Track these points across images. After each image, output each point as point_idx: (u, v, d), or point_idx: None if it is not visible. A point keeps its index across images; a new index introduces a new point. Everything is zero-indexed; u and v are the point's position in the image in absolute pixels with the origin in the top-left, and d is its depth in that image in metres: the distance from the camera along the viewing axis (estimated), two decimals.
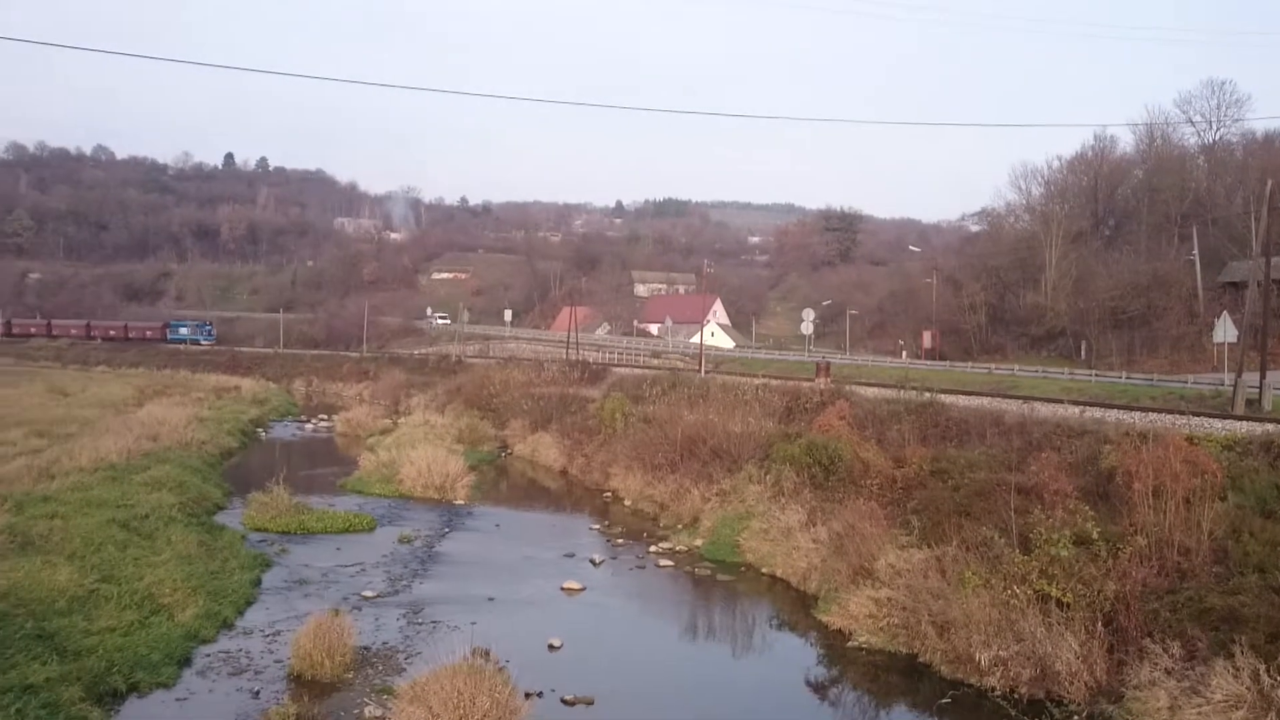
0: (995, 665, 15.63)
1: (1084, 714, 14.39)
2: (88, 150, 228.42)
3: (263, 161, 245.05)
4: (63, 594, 16.60)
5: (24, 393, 57.08)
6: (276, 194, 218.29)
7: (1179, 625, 14.56)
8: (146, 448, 34.47)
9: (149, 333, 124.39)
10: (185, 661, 16.19)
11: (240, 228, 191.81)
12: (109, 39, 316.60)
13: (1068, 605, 15.72)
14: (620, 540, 27.48)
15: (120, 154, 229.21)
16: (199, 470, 34.02)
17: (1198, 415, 26.96)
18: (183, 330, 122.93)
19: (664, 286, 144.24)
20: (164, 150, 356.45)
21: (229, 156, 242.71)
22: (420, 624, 19.00)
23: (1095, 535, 16.69)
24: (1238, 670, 12.90)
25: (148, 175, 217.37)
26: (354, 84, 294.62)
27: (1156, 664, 13.94)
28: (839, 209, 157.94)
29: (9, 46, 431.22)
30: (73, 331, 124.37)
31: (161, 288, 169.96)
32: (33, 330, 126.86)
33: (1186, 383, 41.38)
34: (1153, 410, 29.40)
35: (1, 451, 31.24)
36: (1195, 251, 64.38)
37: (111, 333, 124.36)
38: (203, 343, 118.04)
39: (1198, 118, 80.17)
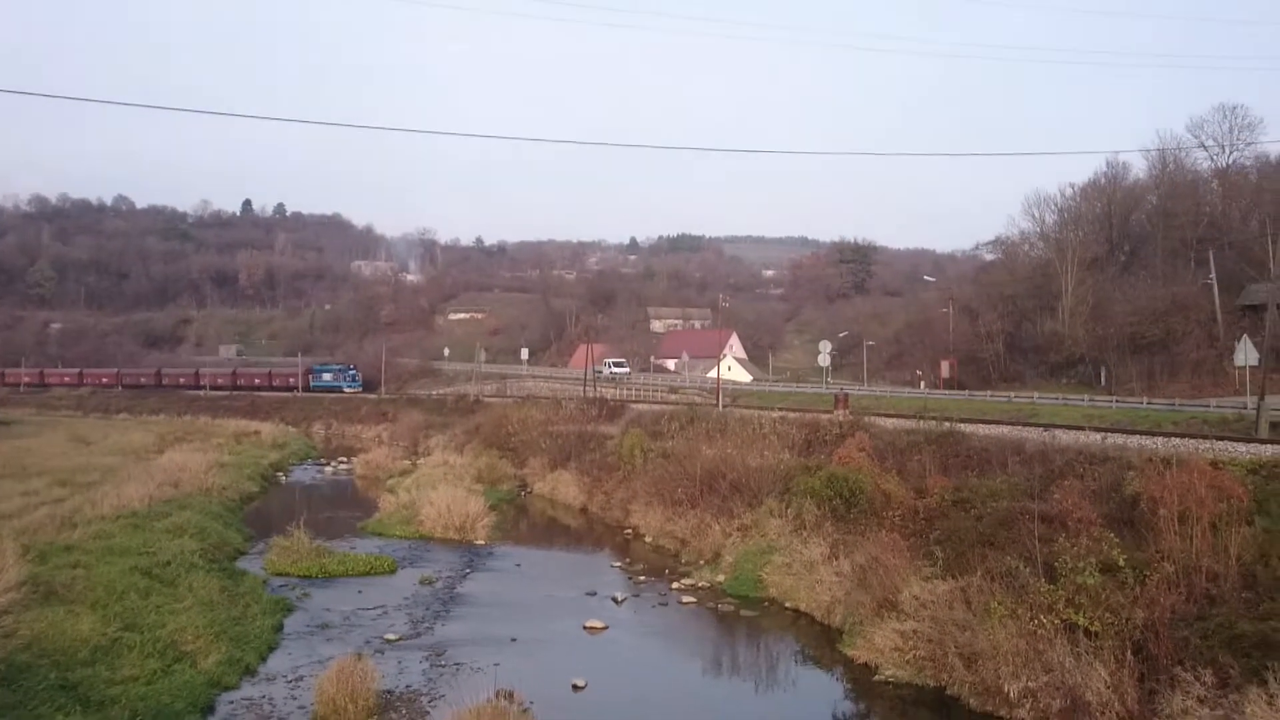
0: (1024, 697, 15.47)
1: None
2: (109, 201, 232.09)
3: (280, 207, 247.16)
4: (86, 643, 16.54)
5: (46, 442, 57.52)
6: (294, 239, 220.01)
7: (1210, 652, 14.37)
8: (168, 494, 34.58)
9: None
10: (208, 709, 16.15)
11: (258, 273, 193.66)
12: (128, 92, 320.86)
13: (1096, 634, 15.55)
14: (642, 577, 27.36)
15: (140, 204, 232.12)
16: (220, 516, 34.13)
17: (1221, 439, 26.71)
18: (325, 376, 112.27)
19: (680, 322, 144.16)
20: (183, 199, 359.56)
21: (247, 203, 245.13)
22: (443, 666, 18.90)
23: (1121, 562, 16.51)
24: (1271, 697, 12.74)
25: (167, 224, 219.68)
26: (368, 129, 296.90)
27: (1189, 692, 13.76)
28: (852, 241, 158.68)
29: (31, 101, 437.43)
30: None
31: (181, 334, 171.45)
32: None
33: (1209, 407, 41.03)
34: (1175, 435, 29.11)
35: (24, 501, 31.25)
36: (1213, 275, 64.05)
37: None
38: (346, 390, 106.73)
39: (1210, 142, 79.72)
